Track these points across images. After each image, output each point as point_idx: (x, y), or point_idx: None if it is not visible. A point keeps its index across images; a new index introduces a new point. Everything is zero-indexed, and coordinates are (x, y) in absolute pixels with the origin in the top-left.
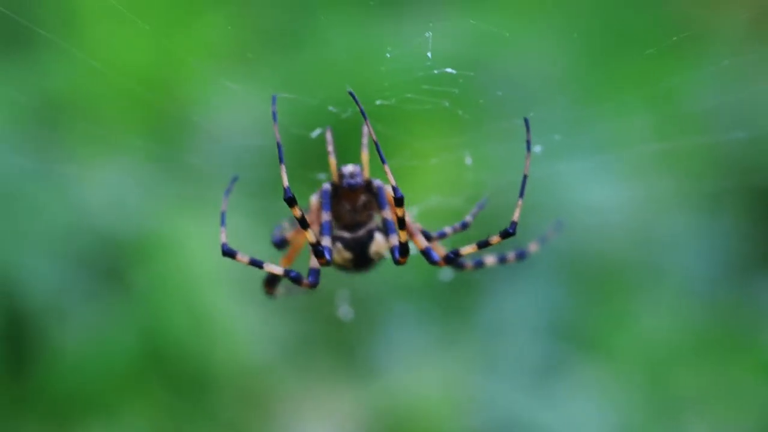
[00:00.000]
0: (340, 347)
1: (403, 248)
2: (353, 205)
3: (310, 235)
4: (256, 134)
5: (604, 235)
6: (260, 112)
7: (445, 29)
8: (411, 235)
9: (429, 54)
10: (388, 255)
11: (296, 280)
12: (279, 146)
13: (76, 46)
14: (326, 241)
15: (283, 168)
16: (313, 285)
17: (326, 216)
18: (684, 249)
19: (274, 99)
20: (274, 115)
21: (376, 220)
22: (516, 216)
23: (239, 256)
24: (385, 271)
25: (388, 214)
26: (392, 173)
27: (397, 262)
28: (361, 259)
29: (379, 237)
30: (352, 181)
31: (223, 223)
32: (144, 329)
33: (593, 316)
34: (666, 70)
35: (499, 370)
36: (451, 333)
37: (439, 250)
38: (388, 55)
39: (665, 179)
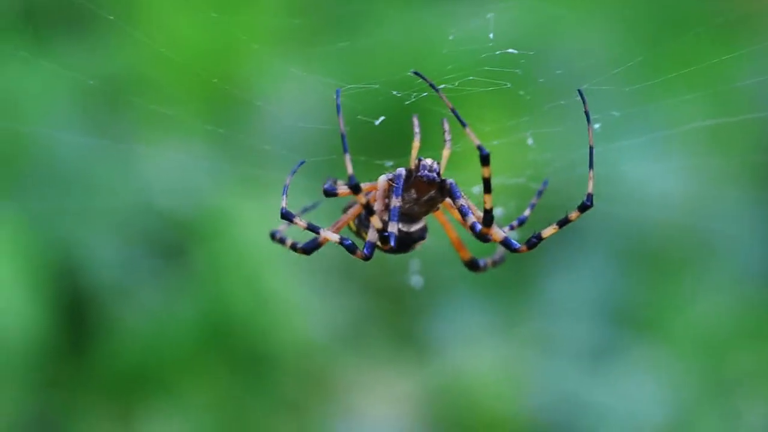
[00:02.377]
0: (399, 327)
1: (488, 217)
2: (419, 196)
3: (377, 222)
4: (316, 117)
5: (661, 215)
6: (320, 95)
7: (505, 10)
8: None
9: (491, 35)
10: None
11: (350, 249)
12: (343, 136)
13: (139, 28)
14: (393, 227)
15: (348, 157)
16: (367, 258)
17: (396, 201)
18: (739, 228)
19: (338, 92)
20: (338, 107)
21: (424, 223)
22: (590, 188)
23: (296, 220)
24: (444, 252)
25: (463, 201)
26: (474, 134)
27: (480, 235)
28: (402, 248)
29: (426, 238)
30: (430, 174)
31: (285, 192)
32: (205, 307)
33: (648, 296)
34: (716, 48)
35: (556, 351)
36: (508, 313)
37: (498, 236)
38: (451, 37)
39: (719, 157)
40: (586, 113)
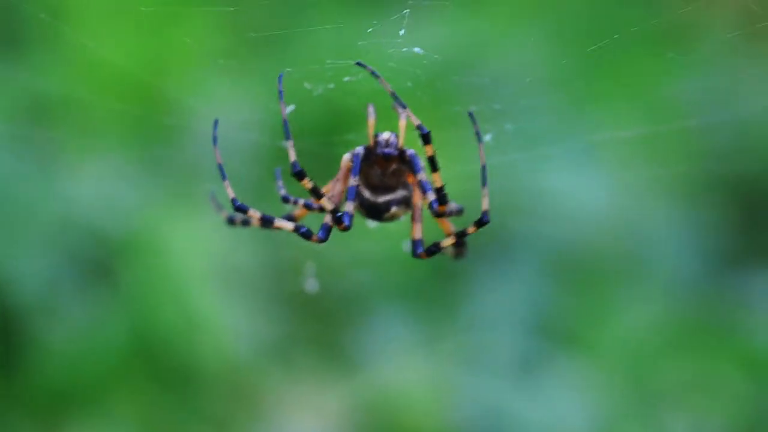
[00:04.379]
0: (326, 343)
1: (441, 195)
2: (383, 170)
3: (327, 203)
4: (246, 133)
5: (588, 228)
6: (249, 111)
7: (424, 18)
8: (414, 219)
9: (402, 31)
10: (402, 218)
11: (306, 235)
12: (285, 122)
13: (66, 45)
14: (349, 207)
15: (290, 143)
16: (322, 240)
17: (353, 181)
18: (667, 241)
19: (280, 77)
20: (280, 93)
21: (401, 192)
22: (485, 205)
23: (251, 212)
24: (369, 267)
25: (423, 176)
26: (414, 115)
27: (436, 213)
28: (373, 214)
29: (395, 209)
30: (387, 150)
31: (224, 176)
32: (133, 325)
33: (576, 309)
34: (645, 58)
35: (483, 365)
36: (435, 328)
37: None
38: (369, 30)
39: (649, 170)
40: (477, 133)
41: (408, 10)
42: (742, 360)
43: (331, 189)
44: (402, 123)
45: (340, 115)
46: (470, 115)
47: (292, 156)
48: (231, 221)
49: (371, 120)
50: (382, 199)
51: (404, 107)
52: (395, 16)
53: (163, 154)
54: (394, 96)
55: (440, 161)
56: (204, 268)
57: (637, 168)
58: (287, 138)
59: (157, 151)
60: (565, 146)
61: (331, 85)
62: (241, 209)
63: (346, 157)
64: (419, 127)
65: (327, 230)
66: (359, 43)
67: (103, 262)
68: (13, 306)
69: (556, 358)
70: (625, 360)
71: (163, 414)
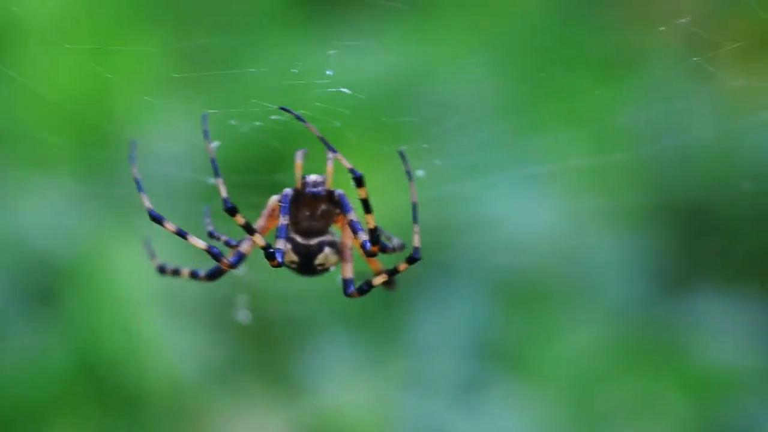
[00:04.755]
0: (271, 366)
1: (374, 235)
2: (312, 212)
3: (259, 239)
4: (176, 168)
5: (531, 251)
6: (194, 138)
7: (353, 50)
8: (344, 259)
9: (329, 72)
10: (332, 268)
11: (216, 257)
12: (213, 161)
13: (9, 70)
14: (280, 244)
15: (220, 181)
16: (233, 266)
17: (283, 220)
18: (610, 266)
19: (204, 117)
20: (205, 133)
21: (330, 235)
22: (416, 242)
23: (166, 224)
24: (314, 291)
25: (353, 216)
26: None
27: (369, 254)
28: (305, 265)
29: (327, 251)
30: (315, 190)
31: (140, 189)
32: (77, 349)
33: (518, 333)
34: (597, 91)
35: (425, 388)
36: (379, 352)
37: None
38: (295, 71)
39: (592, 197)
40: (408, 172)
41: (334, 51)
42: (686, 381)
43: (257, 226)
44: (329, 165)
45: (267, 155)
46: (401, 153)
47: (223, 192)
48: (161, 270)
49: (299, 162)
50: (314, 241)
51: (334, 151)
52: (320, 57)
53: (104, 180)
54: (322, 140)
55: (372, 196)
56: (148, 293)
57: (581, 193)
58: (216, 175)
59: (98, 177)
60: (508, 171)
61: (258, 123)
62: (157, 220)
63: (274, 198)
64: (351, 171)
65: (240, 257)
66: (285, 83)
67: (47, 287)
68: None
69: (499, 380)
70: (569, 382)
71: None
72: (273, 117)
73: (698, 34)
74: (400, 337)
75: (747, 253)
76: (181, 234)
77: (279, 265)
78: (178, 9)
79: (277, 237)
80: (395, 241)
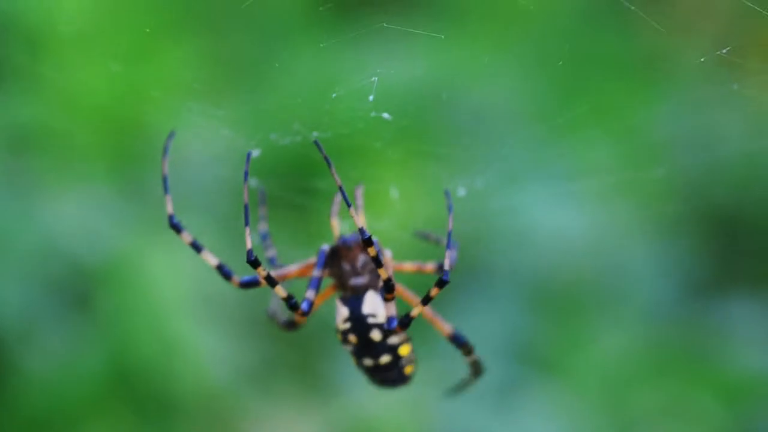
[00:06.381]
0: (304, 369)
1: (389, 286)
2: (353, 264)
3: (281, 291)
4: (222, 165)
5: (566, 258)
6: (226, 142)
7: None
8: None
9: (371, 97)
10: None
11: (226, 276)
12: (246, 207)
13: (45, 77)
14: (310, 294)
15: (248, 230)
16: (243, 286)
17: (317, 272)
18: (643, 272)
19: (248, 156)
20: (245, 174)
21: (370, 278)
22: (447, 265)
23: (183, 235)
24: None
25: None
26: (360, 216)
27: (385, 299)
28: (364, 336)
29: (371, 294)
30: (348, 239)
31: (166, 190)
32: (111, 353)
33: (553, 336)
34: (628, 99)
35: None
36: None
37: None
38: (334, 95)
39: (625, 203)
40: (449, 207)
41: (376, 78)
42: (717, 386)
43: (288, 269)
44: (355, 219)
45: (304, 163)
46: (446, 193)
47: (248, 244)
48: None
49: (334, 221)
50: (354, 282)
51: (349, 205)
52: (364, 82)
53: (140, 182)
54: (341, 191)
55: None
56: (182, 296)
57: (614, 200)
58: (246, 224)
59: (135, 180)
60: (541, 178)
61: (299, 138)
62: (176, 228)
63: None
64: (360, 230)
65: (252, 281)
66: (326, 107)
67: (82, 290)
68: None
69: (532, 383)
70: (602, 386)
71: None
72: (315, 134)
73: (729, 59)
74: (436, 340)
75: None
76: (196, 247)
77: (304, 314)
78: (212, 18)
79: (308, 288)
80: (442, 239)
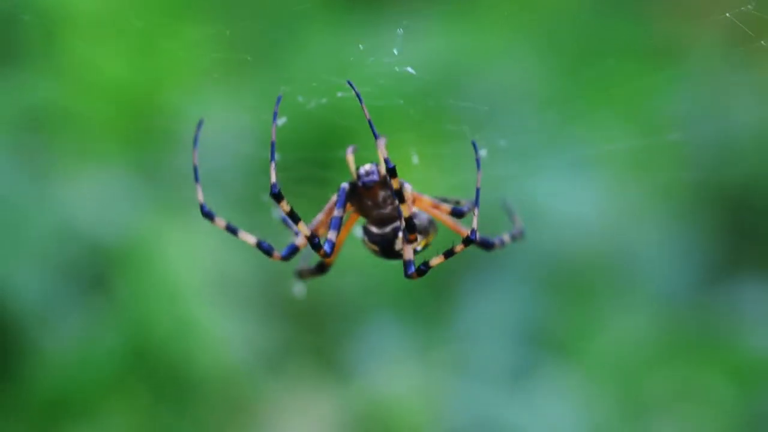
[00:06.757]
0: (321, 352)
1: (408, 224)
2: (375, 200)
3: (303, 228)
4: (240, 144)
5: (578, 240)
6: (243, 122)
7: (417, 31)
8: (404, 241)
9: (395, 51)
10: (419, 248)
11: (267, 251)
12: (273, 144)
13: (62, 58)
14: (331, 235)
15: (273, 165)
16: (284, 258)
17: (338, 212)
18: (657, 254)
19: (278, 98)
20: (275, 114)
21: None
22: (475, 224)
23: (217, 220)
24: (362, 275)
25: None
26: (385, 148)
27: (408, 240)
28: (388, 251)
29: (402, 236)
30: (367, 179)
31: (197, 179)
32: (129, 335)
33: (565, 320)
34: (640, 79)
35: (474, 373)
36: (428, 337)
37: (461, 229)
38: (361, 47)
39: (639, 186)
40: (477, 161)
41: (402, 30)
42: (731, 369)
43: (316, 219)
44: (379, 151)
45: (332, 131)
46: (473, 144)
47: (273, 177)
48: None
49: (350, 156)
50: (388, 229)
51: (377, 137)
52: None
53: (158, 164)
54: (370, 124)
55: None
56: (199, 278)
57: (626, 180)
58: (272, 159)
59: (152, 161)
60: (555, 159)
61: (324, 100)
62: (208, 216)
63: (333, 196)
64: (385, 161)
65: (292, 250)
66: (351, 59)
67: (98, 272)
68: (8, 316)
69: (546, 367)
70: (615, 369)
71: (158, 423)
72: (339, 94)
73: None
74: (449, 323)
75: None
76: (232, 229)
77: (326, 255)
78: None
79: (329, 228)
80: (465, 203)
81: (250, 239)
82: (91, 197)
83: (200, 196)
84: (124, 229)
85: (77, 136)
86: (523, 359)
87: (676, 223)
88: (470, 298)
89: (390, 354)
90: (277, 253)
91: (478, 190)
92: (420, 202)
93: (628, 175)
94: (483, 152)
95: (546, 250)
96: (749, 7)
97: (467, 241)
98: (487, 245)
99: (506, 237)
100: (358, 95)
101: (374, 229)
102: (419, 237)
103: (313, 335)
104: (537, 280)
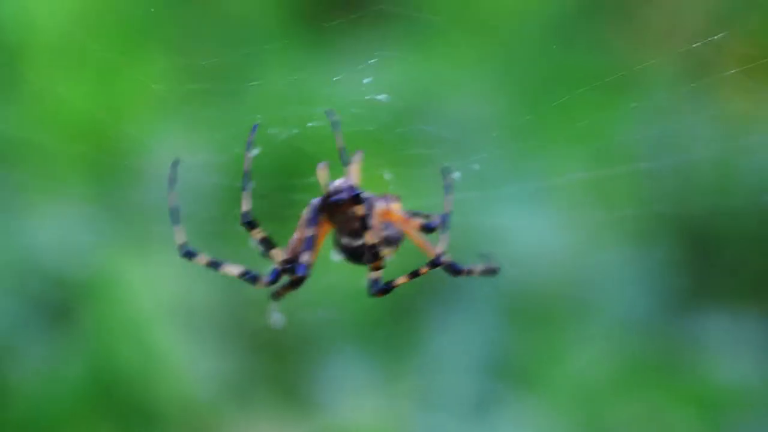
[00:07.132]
0: (285, 382)
1: (373, 253)
2: (345, 215)
3: (277, 254)
4: (201, 175)
5: (541, 271)
6: (206, 153)
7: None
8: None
9: (365, 80)
10: (390, 258)
11: (253, 280)
12: (246, 173)
13: (23, 88)
14: (304, 257)
15: (247, 193)
16: (270, 284)
17: (309, 231)
18: (618, 281)
19: (254, 128)
20: (248, 144)
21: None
22: (440, 248)
23: (199, 258)
24: (327, 306)
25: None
26: (358, 173)
27: (372, 268)
28: (358, 261)
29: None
30: (337, 198)
31: (177, 221)
32: (92, 366)
33: (527, 349)
34: (602, 109)
35: (438, 405)
36: (392, 367)
37: (429, 249)
38: (336, 78)
39: (600, 212)
40: (446, 187)
41: (375, 59)
42: (693, 398)
43: (292, 240)
44: (353, 168)
45: (302, 160)
46: (443, 171)
47: (245, 206)
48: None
49: (321, 171)
50: (360, 242)
51: (345, 164)
52: (361, 66)
53: (120, 195)
54: (341, 152)
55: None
56: (162, 308)
57: (588, 210)
58: (244, 188)
59: (114, 193)
60: (517, 188)
61: (296, 131)
62: (189, 255)
63: (306, 210)
64: (350, 188)
65: (277, 275)
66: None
67: (61, 304)
68: None
69: (510, 397)
70: (579, 398)
71: None
72: (309, 124)
73: (701, 52)
74: (413, 353)
75: (754, 272)
76: (215, 264)
77: (301, 279)
78: (187, 27)
79: (302, 250)
80: (435, 217)
81: (235, 270)
82: (53, 228)
83: (180, 237)
84: (87, 260)
85: (39, 167)
86: (487, 389)
87: (638, 253)
88: (434, 327)
89: (354, 385)
90: (262, 281)
91: (446, 215)
92: (391, 215)
93: (590, 205)
94: (456, 174)
95: (509, 279)
96: (714, 37)
97: (432, 264)
98: (454, 270)
99: (477, 268)
100: (334, 124)
101: (345, 240)
102: (388, 250)
103: (276, 366)
104: (500, 309)
